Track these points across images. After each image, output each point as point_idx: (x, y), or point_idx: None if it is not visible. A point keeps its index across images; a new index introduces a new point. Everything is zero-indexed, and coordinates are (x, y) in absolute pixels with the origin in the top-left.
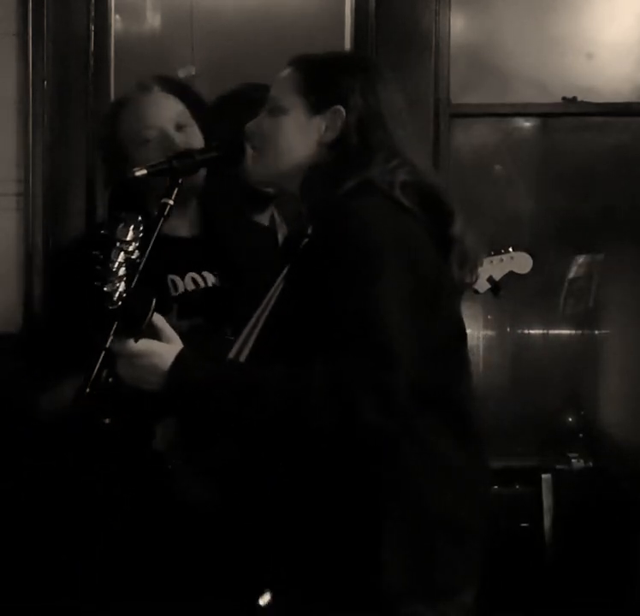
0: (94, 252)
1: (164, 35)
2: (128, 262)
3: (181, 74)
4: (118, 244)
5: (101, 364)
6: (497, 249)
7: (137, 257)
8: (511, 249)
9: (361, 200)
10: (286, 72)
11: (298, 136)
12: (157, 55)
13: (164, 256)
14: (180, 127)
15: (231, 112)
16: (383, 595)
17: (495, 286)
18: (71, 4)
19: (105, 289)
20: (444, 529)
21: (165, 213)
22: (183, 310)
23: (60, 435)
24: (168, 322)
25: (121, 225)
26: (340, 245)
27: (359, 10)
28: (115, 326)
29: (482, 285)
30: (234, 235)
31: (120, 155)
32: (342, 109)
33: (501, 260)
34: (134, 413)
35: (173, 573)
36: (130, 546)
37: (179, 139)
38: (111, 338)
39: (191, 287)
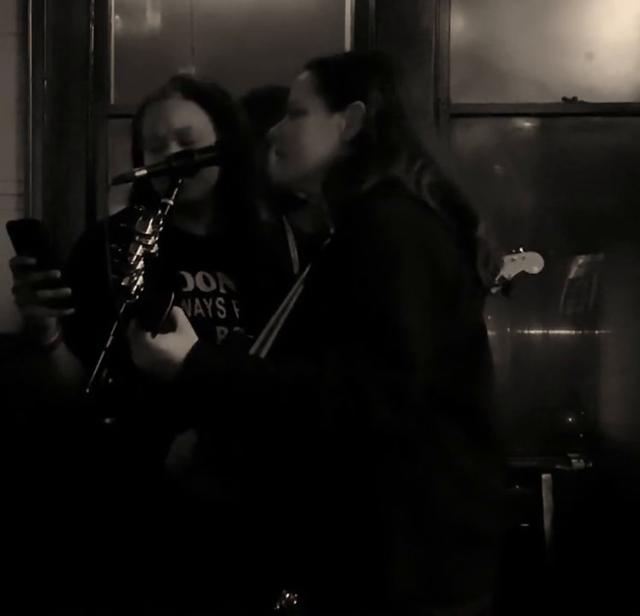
0: (112, 245)
1: (164, 35)
2: (147, 255)
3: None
4: (137, 237)
5: (101, 363)
6: (508, 249)
7: (156, 252)
8: (522, 249)
9: (385, 199)
10: (303, 75)
11: (319, 135)
12: (157, 55)
13: (177, 252)
14: (185, 144)
15: (251, 114)
16: (395, 598)
17: (507, 286)
18: (71, 4)
19: (123, 283)
20: (457, 532)
21: (165, 213)
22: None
23: (60, 434)
24: None
25: (140, 218)
26: (362, 245)
27: (359, 10)
28: (116, 325)
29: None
30: (250, 236)
31: (138, 153)
32: (362, 104)
33: (513, 260)
34: (142, 413)
35: (179, 574)
36: (135, 545)
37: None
38: (111, 338)
39: (202, 285)
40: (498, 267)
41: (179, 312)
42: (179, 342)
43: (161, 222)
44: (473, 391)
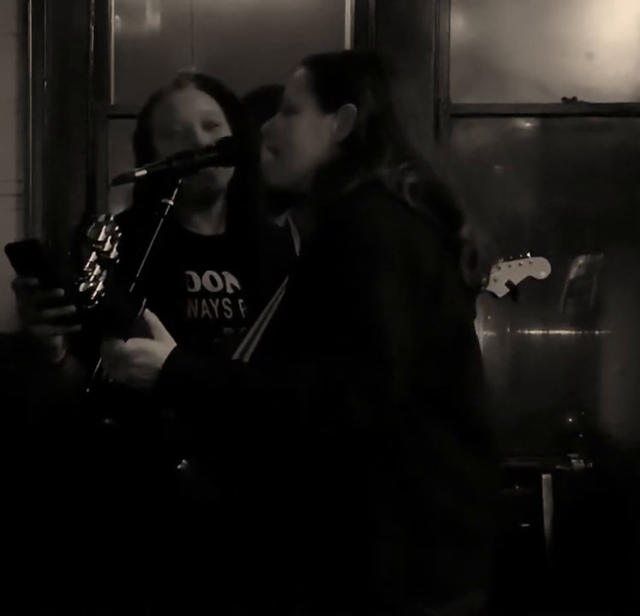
0: (69, 253)
1: (164, 35)
2: (103, 261)
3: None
4: (93, 244)
5: (101, 364)
6: (515, 253)
7: (115, 257)
8: (529, 254)
9: (365, 200)
10: (298, 72)
11: (310, 135)
12: (157, 55)
13: (184, 252)
14: (208, 126)
15: (254, 113)
16: (387, 597)
17: (514, 290)
18: (71, 4)
19: (80, 289)
20: (446, 529)
21: (165, 213)
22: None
23: (60, 435)
24: (183, 316)
25: (91, 226)
26: (338, 247)
27: (359, 10)
28: (108, 327)
29: (501, 289)
30: (256, 236)
31: (148, 147)
32: (354, 106)
33: (520, 265)
34: (138, 412)
35: (174, 575)
36: (133, 547)
37: (204, 137)
38: None
39: (208, 285)
40: (486, 266)
41: (152, 317)
42: (157, 347)
43: (117, 229)
44: (460, 389)
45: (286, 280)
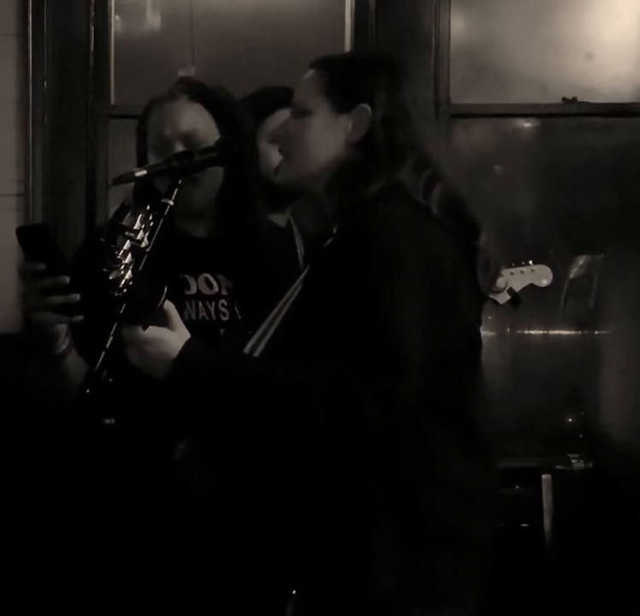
0: (101, 239)
1: (164, 35)
2: (135, 250)
3: (181, 73)
4: (126, 232)
5: (101, 363)
6: (517, 259)
7: (146, 246)
8: (531, 261)
9: (387, 204)
10: (308, 74)
11: (325, 136)
12: (157, 55)
13: (179, 255)
14: (190, 145)
15: (256, 114)
16: (378, 601)
17: (515, 297)
18: (71, 4)
19: (110, 277)
20: (444, 533)
21: (165, 213)
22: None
23: (61, 435)
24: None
25: (128, 214)
26: (361, 249)
27: (359, 10)
28: (115, 326)
29: (502, 296)
30: (252, 238)
31: (144, 152)
32: (368, 107)
33: (522, 272)
34: (140, 412)
35: (173, 571)
36: (133, 542)
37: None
38: (111, 338)
39: (204, 288)
40: (498, 272)
41: (171, 308)
42: (172, 337)
43: (151, 219)
44: (464, 395)
45: (299, 279)
